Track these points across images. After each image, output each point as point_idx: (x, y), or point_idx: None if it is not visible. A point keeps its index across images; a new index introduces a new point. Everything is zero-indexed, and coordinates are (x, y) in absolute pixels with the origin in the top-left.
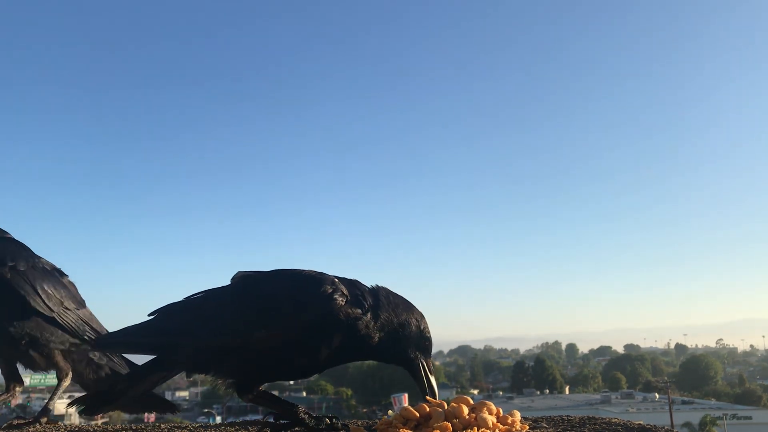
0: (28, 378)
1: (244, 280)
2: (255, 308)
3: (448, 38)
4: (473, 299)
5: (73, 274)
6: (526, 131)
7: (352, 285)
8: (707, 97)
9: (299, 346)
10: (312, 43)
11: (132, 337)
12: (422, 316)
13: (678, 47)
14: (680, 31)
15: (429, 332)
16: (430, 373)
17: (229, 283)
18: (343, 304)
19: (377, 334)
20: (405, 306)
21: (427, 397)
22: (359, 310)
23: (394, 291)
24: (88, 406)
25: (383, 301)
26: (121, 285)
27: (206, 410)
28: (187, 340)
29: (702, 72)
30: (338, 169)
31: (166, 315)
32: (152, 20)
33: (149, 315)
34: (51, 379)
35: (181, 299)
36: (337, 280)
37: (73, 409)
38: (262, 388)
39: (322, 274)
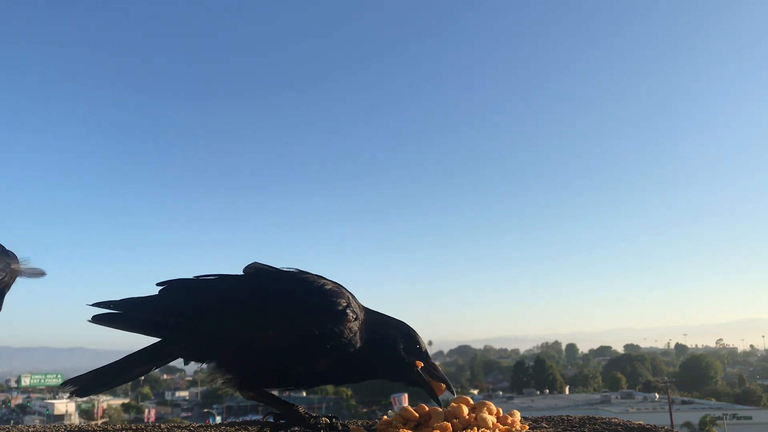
0: (28, 378)
1: (260, 274)
2: (268, 307)
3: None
4: (473, 299)
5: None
6: (527, 133)
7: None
8: (707, 103)
9: (301, 353)
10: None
11: (136, 311)
12: (408, 326)
13: (677, 53)
14: (680, 38)
15: (419, 338)
16: (435, 371)
17: (242, 273)
18: (353, 320)
19: (374, 350)
20: (386, 321)
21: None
22: (362, 328)
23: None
24: (80, 388)
25: (372, 316)
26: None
27: (206, 410)
28: (193, 324)
29: (703, 77)
30: (341, 168)
31: (175, 291)
32: (153, 29)
33: (158, 284)
34: (51, 379)
35: (191, 277)
36: (350, 295)
37: (73, 409)
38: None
39: (339, 286)
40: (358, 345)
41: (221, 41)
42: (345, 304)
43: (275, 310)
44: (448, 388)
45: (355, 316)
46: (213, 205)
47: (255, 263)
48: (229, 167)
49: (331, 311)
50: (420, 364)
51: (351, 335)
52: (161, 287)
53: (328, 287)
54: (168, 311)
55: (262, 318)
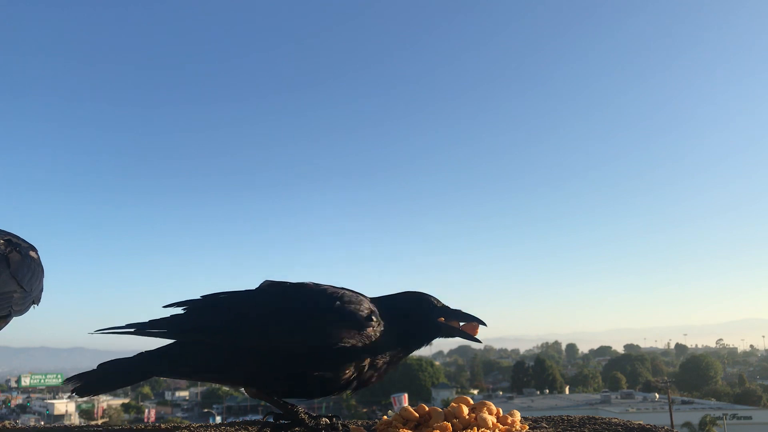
0: (28, 378)
1: (278, 288)
2: (297, 317)
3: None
4: (474, 299)
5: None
6: (526, 132)
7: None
8: (707, 103)
9: (328, 360)
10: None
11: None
12: (413, 293)
13: (677, 53)
14: (680, 38)
15: (429, 297)
16: (460, 316)
17: (257, 288)
18: (377, 326)
19: (400, 336)
20: (395, 301)
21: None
22: (383, 330)
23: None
24: (82, 386)
25: (382, 304)
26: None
27: (206, 410)
28: (218, 338)
29: (705, 78)
30: (337, 168)
31: (197, 312)
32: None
33: (164, 307)
34: (50, 379)
35: (197, 297)
36: (369, 302)
37: (73, 409)
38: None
39: (358, 294)
40: (385, 343)
41: (217, 42)
42: (368, 312)
43: (301, 318)
44: (480, 322)
45: (378, 322)
46: (208, 208)
47: (267, 281)
48: (226, 170)
49: (354, 319)
50: (442, 319)
51: (377, 338)
52: (167, 307)
53: (348, 296)
54: (192, 330)
55: (293, 328)
